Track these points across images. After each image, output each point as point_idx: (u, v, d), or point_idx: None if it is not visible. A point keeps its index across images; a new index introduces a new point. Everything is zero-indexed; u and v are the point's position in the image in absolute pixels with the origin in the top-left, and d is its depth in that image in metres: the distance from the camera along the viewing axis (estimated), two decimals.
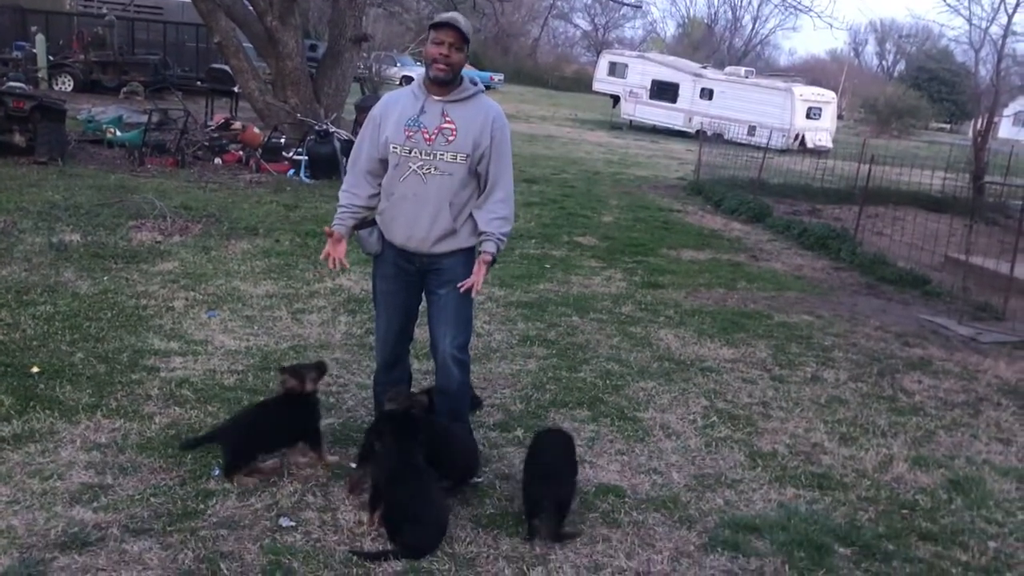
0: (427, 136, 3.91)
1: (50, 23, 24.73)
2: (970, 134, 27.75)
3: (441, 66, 3.86)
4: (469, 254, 4.09)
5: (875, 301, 8.86)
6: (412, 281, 4.16)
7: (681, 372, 6.05)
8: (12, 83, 13.08)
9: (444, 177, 3.93)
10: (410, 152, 3.93)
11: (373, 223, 4.15)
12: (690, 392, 5.69)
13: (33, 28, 23.40)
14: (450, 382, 4.17)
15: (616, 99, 34.83)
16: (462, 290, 4.02)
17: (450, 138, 3.91)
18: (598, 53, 48.69)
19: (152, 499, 3.79)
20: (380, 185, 4.09)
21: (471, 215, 4.04)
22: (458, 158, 3.92)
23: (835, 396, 5.89)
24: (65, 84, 22.25)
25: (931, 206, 14.27)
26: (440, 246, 4.02)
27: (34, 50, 21.94)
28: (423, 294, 4.22)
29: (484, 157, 3.96)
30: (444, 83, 3.91)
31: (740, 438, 5.05)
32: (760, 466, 4.70)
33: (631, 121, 33.36)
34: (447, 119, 3.92)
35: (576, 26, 75.26)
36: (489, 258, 4.01)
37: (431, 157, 3.91)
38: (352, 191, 4.14)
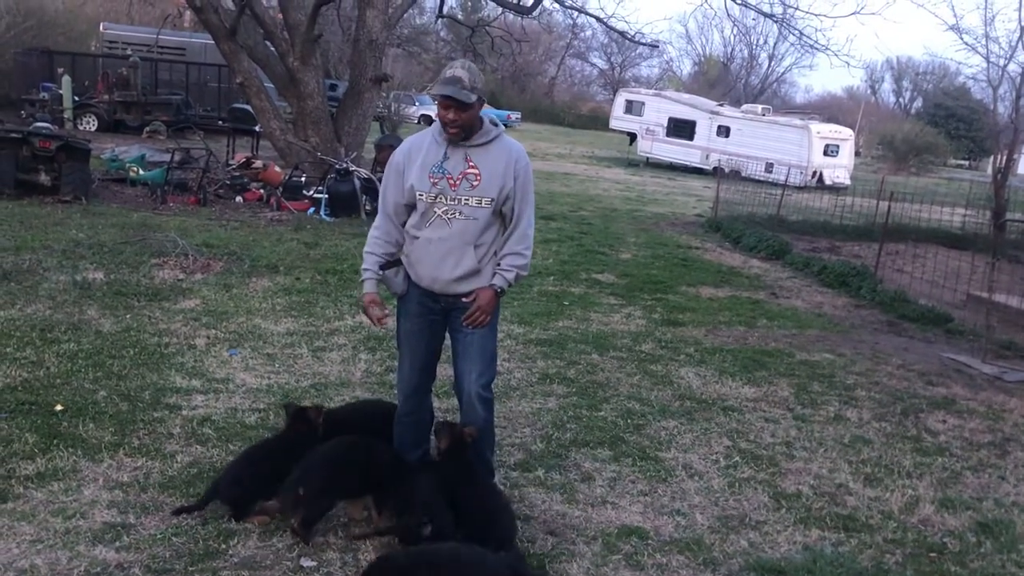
0: (452, 182, 3.94)
1: (76, 64, 25.18)
2: (989, 171, 27.66)
3: (452, 130, 3.91)
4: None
5: (897, 339, 8.79)
6: (436, 320, 4.17)
7: (703, 411, 6.01)
8: (39, 123, 13.28)
9: (468, 221, 3.96)
10: (435, 198, 3.95)
11: (399, 263, 4.18)
12: (712, 432, 5.64)
13: (60, 69, 23.83)
14: (475, 420, 4.17)
15: (633, 137, 35.01)
16: (464, 319, 4.04)
17: (474, 183, 3.94)
18: (615, 91, 49.03)
19: (174, 539, 3.78)
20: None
21: (495, 253, 4.07)
22: (483, 202, 3.95)
23: (859, 436, 5.82)
24: (89, 124, 22.60)
25: (952, 243, 14.20)
26: (464, 286, 4.04)
27: (60, 91, 22.32)
28: (447, 332, 4.23)
29: (509, 198, 4.00)
30: (465, 136, 3.95)
31: (763, 479, 5.00)
32: (784, 507, 4.65)
33: (648, 158, 33.49)
34: (470, 164, 3.95)
35: (593, 65, 75.82)
36: (490, 292, 4.03)
37: (456, 202, 3.95)
38: (383, 238, 4.18)
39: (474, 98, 3.85)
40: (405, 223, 4.12)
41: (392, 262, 4.20)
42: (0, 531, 3.72)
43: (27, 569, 3.47)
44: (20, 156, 11.81)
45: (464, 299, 4.05)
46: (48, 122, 14.34)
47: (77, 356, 5.91)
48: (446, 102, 3.86)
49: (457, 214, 3.96)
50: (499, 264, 4.06)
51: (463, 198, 3.94)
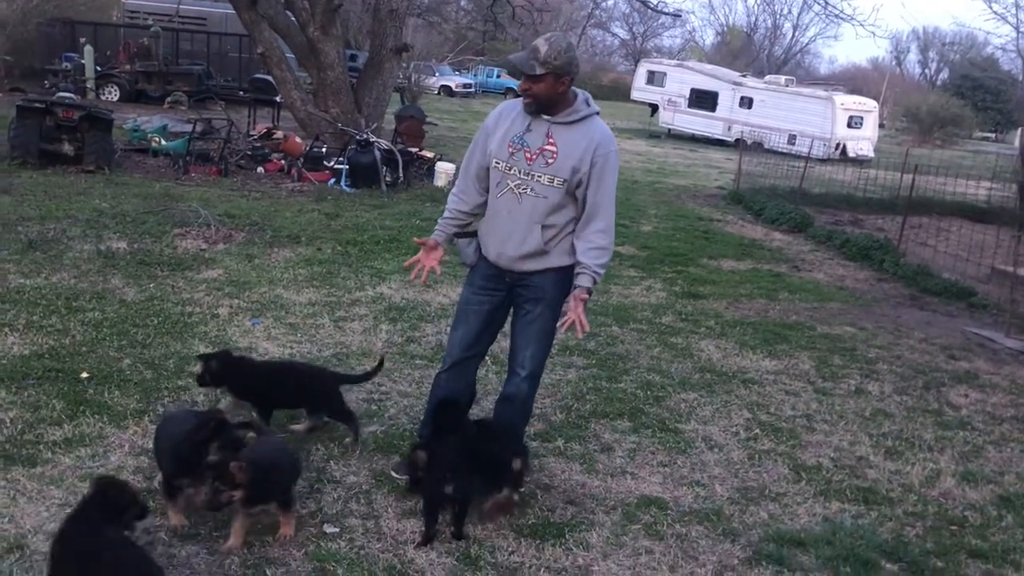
0: (528, 156, 3.87)
1: (98, 35, 25.23)
2: (1016, 143, 27.26)
3: (526, 100, 3.86)
4: (561, 273, 4.00)
5: (919, 313, 8.73)
6: (499, 297, 4.13)
7: (723, 384, 6.01)
8: (62, 93, 13.35)
9: (538, 199, 3.88)
10: (510, 169, 3.90)
11: (474, 234, 4.15)
12: (732, 404, 5.65)
13: (82, 39, 23.89)
14: (518, 393, 4.19)
15: (654, 108, 34.72)
16: (562, 330, 3.98)
17: (549, 160, 3.85)
18: (636, 62, 48.61)
19: None
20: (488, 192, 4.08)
21: (567, 237, 3.96)
22: (555, 182, 3.85)
23: (880, 409, 5.81)
24: (112, 94, 22.66)
25: (976, 216, 14.04)
26: (529, 264, 3.98)
27: (82, 61, 22.38)
28: (510, 308, 4.19)
29: (582, 183, 3.86)
30: (540, 110, 3.86)
31: (784, 451, 5.00)
32: (804, 479, 4.66)
33: (669, 130, 33.25)
34: (550, 140, 3.86)
35: (614, 35, 75.24)
36: (584, 295, 3.91)
37: (529, 177, 3.88)
38: (460, 196, 4.13)
39: (540, 71, 3.72)
40: (488, 189, 4.06)
41: (468, 232, 4.16)
42: (30, 495, 3.79)
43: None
44: (44, 126, 11.88)
45: (562, 326, 3.96)
46: (71, 92, 14.42)
47: (102, 325, 5.97)
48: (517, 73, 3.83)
49: (528, 190, 3.88)
50: (582, 261, 3.91)
51: (536, 174, 3.86)
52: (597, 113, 3.96)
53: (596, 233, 3.92)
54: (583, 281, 3.91)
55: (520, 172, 3.89)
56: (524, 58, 3.77)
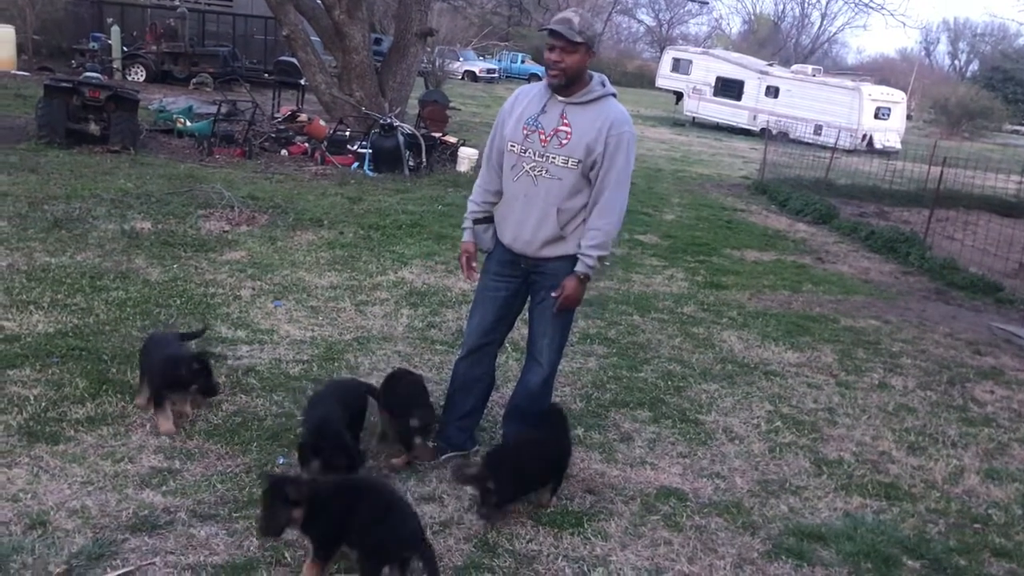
0: (543, 137, 3.84)
1: (125, 15, 25.34)
2: None
3: (553, 72, 3.79)
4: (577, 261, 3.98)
5: (945, 307, 8.63)
6: (515, 283, 4.12)
7: (744, 375, 5.97)
8: (89, 73, 13.41)
9: (554, 181, 3.85)
10: (525, 152, 3.88)
11: (490, 220, 4.15)
12: (754, 396, 5.60)
13: (109, 20, 24.00)
14: (535, 379, 4.19)
15: (679, 96, 34.49)
16: (555, 308, 3.97)
17: (564, 141, 3.82)
18: (662, 49, 48.28)
19: (219, 485, 3.85)
20: None
21: (583, 223, 3.93)
22: (569, 163, 3.82)
23: (903, 404, 5.75)
24: (138, 75, 22.75)
25: (1004, 211, 13.89)
26: (545, 251, 3.97)
27: (110, 41, 22.48)
28: (527, 295, 4.18)
29: (596, 164, 3.83)
30: (562, 87, 3.83)
31: (805, 444, 4.96)
32: (825, 473, 4.62)
33: (694, 118, 33.03)
34: (565, 121, 3.83)
35: (640, 22, 74.78)
36: (574, 281, 3.91)
37: (543, 159, 3.85)
38: (481, 186, 4.13)
39: (579, 40, 3.70)
40: None
41: (486, 218, 4.15)
42: (53, 472, 3.82)
43: (78, 509, 3.56)
44: (70, 105, 11.99)
45: (554, 295, 3.95)
46: (97, 72, 14.45)
47: (125, 304, 6.01)
48: (551, 41, 3.75)
49: (544, 172, 3.86)
50: (579, 245, 3.91)
51: (551, 155, 3.83)
52: (613, 95, 3.93)
53: (598, 217, 3.89)
54: (578, 267, 3.92)
55: (535, 154, 3.86)
56: (562, 26, 3.72)
